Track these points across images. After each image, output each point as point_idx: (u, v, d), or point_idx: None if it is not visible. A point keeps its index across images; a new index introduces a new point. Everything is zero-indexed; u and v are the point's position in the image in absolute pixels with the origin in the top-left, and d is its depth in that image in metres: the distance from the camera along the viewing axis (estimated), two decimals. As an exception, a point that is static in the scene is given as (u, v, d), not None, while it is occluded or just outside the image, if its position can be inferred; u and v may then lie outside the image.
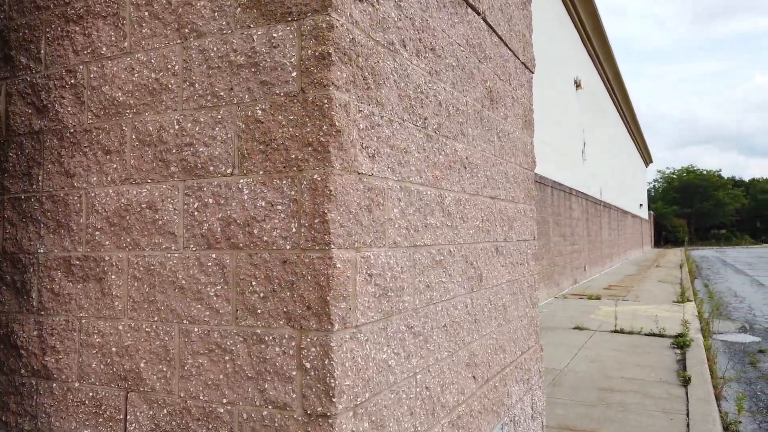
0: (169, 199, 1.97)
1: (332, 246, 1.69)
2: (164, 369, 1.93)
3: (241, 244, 1.83)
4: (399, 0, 2.17)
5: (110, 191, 2.09)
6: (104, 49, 2.14)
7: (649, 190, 69.92)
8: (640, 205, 41.13)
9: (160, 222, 1.98)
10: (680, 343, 7.65)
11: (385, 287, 1.97)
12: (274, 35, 1.81)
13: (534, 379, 3.89)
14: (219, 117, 1.89)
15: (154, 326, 1.96)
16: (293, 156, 1.77)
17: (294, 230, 1.75)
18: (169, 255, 1.95)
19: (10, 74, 2.37)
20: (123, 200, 2.06)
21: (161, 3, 2.03)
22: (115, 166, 2.09)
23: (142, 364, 1.98)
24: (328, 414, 1.66)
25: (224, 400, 1.82)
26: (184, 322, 1.91)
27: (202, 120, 1.92)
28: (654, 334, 8.48)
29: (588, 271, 17.81)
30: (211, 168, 1.90)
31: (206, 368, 1.86)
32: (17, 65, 2.35)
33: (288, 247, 1.75)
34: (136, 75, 2.07)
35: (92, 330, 2.09)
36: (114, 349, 2.04)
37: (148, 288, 1.98)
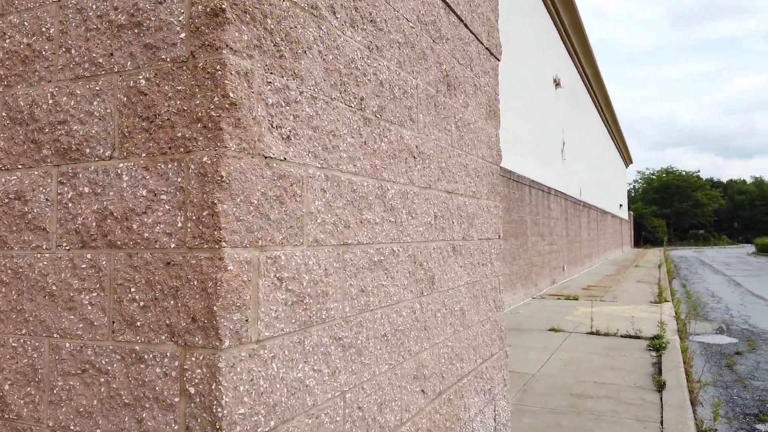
0: (41, 188, 1.64)
1: (223, 244, 1.38)
2: (32, 392, 1.60)
3: (119, 242, 1.51)
4: (325, -42, 1.87)
5: (-21, 179, 1.76)
6: (-26, 10, 1.81)
7: (629, 191, 70.56)
8: (620, 205, 41.36)
9: (29, 216, 1.65)
10: (656, 345, 7.46)
11: (301, 293, 1.67)
12: (160, -12, 1.50)
13: (497, 389, 3.61)
14: (97, 88, 1.57)
15: (22, 341, 1.63)
16: (180, 134, 1.46)
17: (180, 225, 1.44)
18: (39, 255, 1.62)
19: None
20: (-8, 190, 1.73)
21: (37, -46, 1.70)
22: (-16, 149, 1.76)
23: (6, 386, 1.65)
24: (216, 450, 1.35)
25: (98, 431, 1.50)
26: (55, 335, 1.58)
27: (78, 93, 1.60)
28: (630, 336, 8.29)
29: (567, 271, 17.69)
30: (87, 150, 1.57)
31: (78, 392, 1.53)
32: None
33: (173, 245, 1.44)
34: (7, 41, 1.74)
35: (-43, 344, 1.75)
36: (-20, 367, 1.71)
37: (16, 295, 1.65)
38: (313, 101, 1.78)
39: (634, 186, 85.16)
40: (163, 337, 1.43)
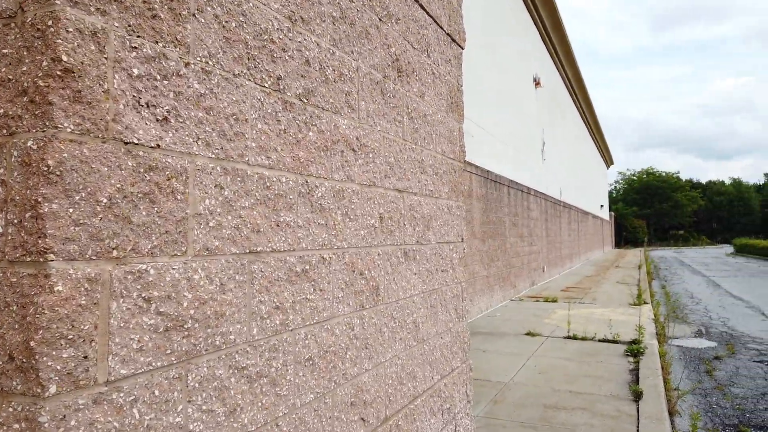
0: None
1: (50, 256, 1.04)
2: None
3: (-75, 253, 1.16)
4: None
5: None
6: None
7: (610, 192, 71.09)
8: (601, 205, 41.51)
9: None
10: (634, 350, 7.22)
11: (180, 316, 1.33)
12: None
13: (459, 406, 3.30)
14: None
15: None
16: (2, 112, 1.11)
17: (0, 231, 1.10)
18: None
19: None
20: None
21: None
22: None
23: None
24: None
25: None
26: None
27: None
28: (608, 341, 8.06)
29: (547, 272, 17.52)
30: None
31: None
32: None
33: (-10, 257, 1.10)
34: None
35: None
36: None
37: None
38: (205, 76, 1.44)
39: (615, 187, 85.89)
40: (-25, 380, 1.08)
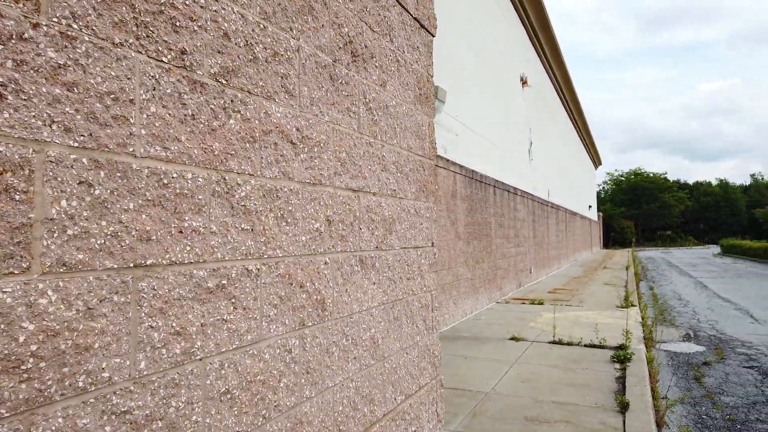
0: None
1: None
2: None
3: None
4: None
5: None
6: None
7: (598, 192, 71.28)
8: (590, 206, 41.48)
9: None
10: (621, 356, 6.96)
11: (11, 355, 1.01)
12: None
13: (427, 428, 3.00)
14: None
15: None
16: None
17: None
18: None
19: None
20: None
21: None
22: None
23: None
24: None
25: None
26: None
27: None
28: (594, 346, 7.80)
29: (534, 274, 17.29)
30: None
31: None
32: None
33: None
34: None
35: None
36: None
37: None
38: (67, 43, 1.13)
39: (604, 187, 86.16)
40: None
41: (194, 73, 1.47)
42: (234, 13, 1.62)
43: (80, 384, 1.12)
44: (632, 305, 11.88)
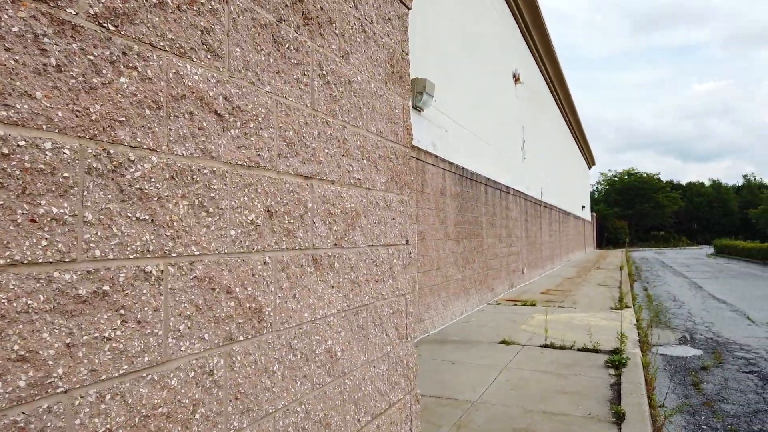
0: None
1: None
2: None
3: None
4: None
5: None
6: None
7: (592, 193, 71.21)
8: (583, 206, 41.27)
9: None
10: (616, 361, 6.63)
11: None
12: None
13: (399, 451, 2.64)
14: None
15: None
16: None
17: None
18: None
19: None
20: None
21: None
22: None
23: None
24: None
25: None
26: None
27: None
28: (588, 350, 7.47)
29: (526, 274, 16.98)
30: None
31: None
32: None
33: None
34: None
35: None
36: None
37: None
38: None
39: (597, 188, 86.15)
40: None
41: (62, 10, 1.11)
42: (128, -59, 1.26)
43: None
44: (626, 307, 11.58)
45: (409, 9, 2.98)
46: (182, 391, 1.36)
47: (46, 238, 1.05)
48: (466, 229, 11.07)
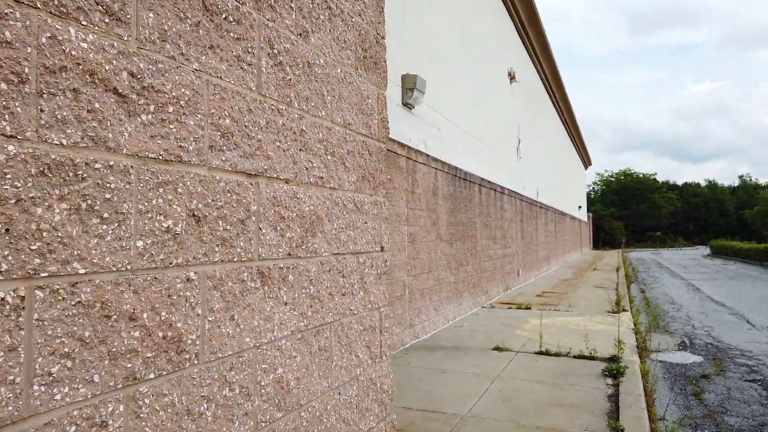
0: None
1: None
2: None
3: None
4: None
5: None
6: None
7: (588, 193, 71.05)
8: (579, 207, 41.06)
9: None
10: (613, 370, 6.33)
11: None
12: None
13: (370, 488, 2.32)
14: None
15: None
16: None
17: None
18: None
19: None
20: None
21: None
22: None
23: None
24: None
25: None
26: None
27: None
28: (584, 357, 7.16)
29: (522, 276, 16.68)
30: None
31: None
32: None
33: None
34: None
35: None
36: None
37: None
38: None
39: (594, 188, 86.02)
40: None
41: None
42: None
43: None
44: (624, 310, 11.29)
45: (385, -13, 2.67)
46: (56, 453, 1.04)
47: None
48: (459, 230, 10.76)
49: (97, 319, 1.14)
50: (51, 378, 1.04)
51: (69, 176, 1.09)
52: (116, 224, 1.19)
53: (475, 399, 5.41)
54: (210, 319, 1.45)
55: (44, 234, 1.03)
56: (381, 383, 2.45)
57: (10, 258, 0.97)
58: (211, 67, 1.49)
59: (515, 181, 16.91)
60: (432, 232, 9.33)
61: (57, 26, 1.08)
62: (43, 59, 1.05)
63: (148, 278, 1.26)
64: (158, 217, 1.29)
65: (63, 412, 1.06)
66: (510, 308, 11.80)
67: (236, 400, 1.54)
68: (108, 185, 1.17)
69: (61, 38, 1.09)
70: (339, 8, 2.21)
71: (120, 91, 1.21)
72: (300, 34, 1.93)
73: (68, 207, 1.08)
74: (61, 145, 1.07)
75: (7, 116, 0.98)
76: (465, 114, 11.65)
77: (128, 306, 1.21)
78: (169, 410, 1.31)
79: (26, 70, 1.02)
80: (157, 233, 1.29)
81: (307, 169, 1.93)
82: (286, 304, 1.79)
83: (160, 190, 1.30)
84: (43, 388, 1.02)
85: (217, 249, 1.48)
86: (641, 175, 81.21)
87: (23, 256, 0.99)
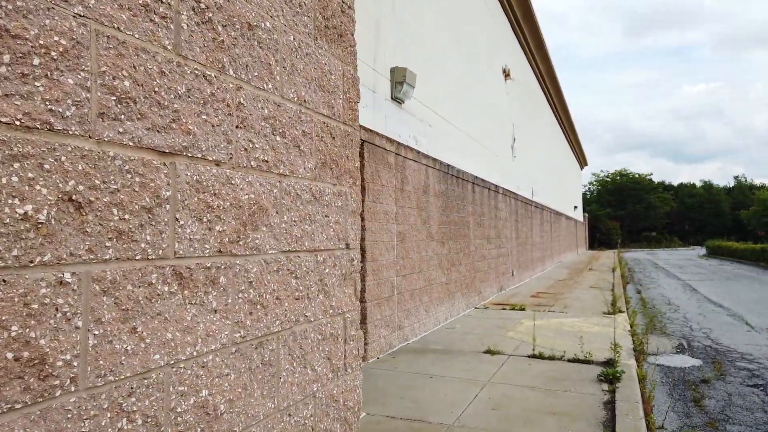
0: None
1: None
2: None
3: None
4: None
5: None
6: None
7: (584, 193, 70.90)
8: (575, 207, 40.84)
9: None
10: (609, 374, 6.02)
11: None
12: None
13: None
14: None
15: None
16: None
17: None
18: None
19: None
20: None
21: None
22: None
23: None
24: None
25: None
26: None
27: None
28: (579, 360, 6.87)
29: (517, 276, 16.40)
30: None
31: None
32: None
33: None
34: None
35: None
36: None
37: None
38: None
39: (590, 188, 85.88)
40: None
41: None
42: None
43: None
44: (620, 311, 11.01)
45: (351, -50, 2.35)
46: None
47: None
48: (451, 229, 10.46)
49: None
50: None
51: None
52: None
53: (463, 407, 5.10)
54: (97, 333, 1.13)
55: None
56: (345, 400, 2.14)
57: None
58: (103, 14, 1.18)
59: (510, 180, 16.62)
60: (422, 230, 9.02)
61: None
62: None
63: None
64: (9, 201, 0.98)
65: None
66: (504, 309, 11.49)
67: (139, 433, 1.23)
68: None
69: None
70: (292, -34, 1.89)
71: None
72: (237, -11, 1.61)
73: None
74: None
75: None
76: (457, 111, 11.35)
77: (-43, 319, 0.89)
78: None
79: None
80: (6, 222, 0.97)
81: (246, 150, 1.62)
82: (215, 311, 1.48)
83: (15, 165, 0.99)
84: None
85: (109, 244, 1.17)
86: (637, 176, 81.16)
87: None
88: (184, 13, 1.40)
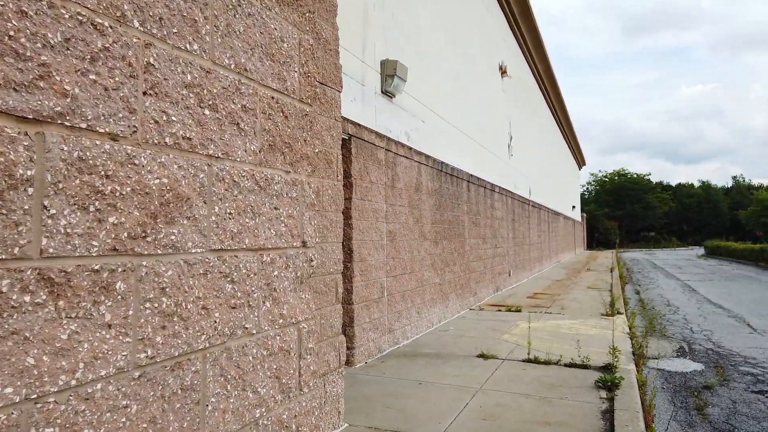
0: None
1: None
2: None
3: None
4: None
5: None
6: None
7: (582, 193, 70.63)
8: (573, 206, 40.54)
9: None
10: (608, 381, 5.70)
11: None
12: None
13: None
14: None
15: None
16: None
17: None
18: None
19: None
20: None
21: None
22: None
23: None
24: None
25: None
26: None
27: None
28: (576, 365, 6.55)
29: (513, 277, 16.08)
30: None
31: None
32: None
33: None
34: None
35: None
36: None
37: None
38: None
39: (588, 188, 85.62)
40: None
41: None
42: None
43: None
44: (618, 313, 10.69)
45: None
46: None
47: None
48: (445, 228, 10.13)
49: None
50: None
51: None
52: None
53: (452, 416, 4.77)
54: None
55: None
56: (298, 425, 1.81)
57: None
58: None
59: (506, 178, 16.30)
60: (415, 230, 8.69)
61: None
62: None
63: None
64: None
65: None
66: (499, 311, 11.17)
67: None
68: None
69: None
70: None
71: None
72: None
73: None
74: None
75: None
76: (452, 107, 11.02)
77: None
78: None
79: None
80: None
81: (158, 123, 1.29)
82: (109, 326, 1.15)
83: None
84: None
85: None
86: (635, 176, 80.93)
87: None
88: (61, -59, 1.07)
